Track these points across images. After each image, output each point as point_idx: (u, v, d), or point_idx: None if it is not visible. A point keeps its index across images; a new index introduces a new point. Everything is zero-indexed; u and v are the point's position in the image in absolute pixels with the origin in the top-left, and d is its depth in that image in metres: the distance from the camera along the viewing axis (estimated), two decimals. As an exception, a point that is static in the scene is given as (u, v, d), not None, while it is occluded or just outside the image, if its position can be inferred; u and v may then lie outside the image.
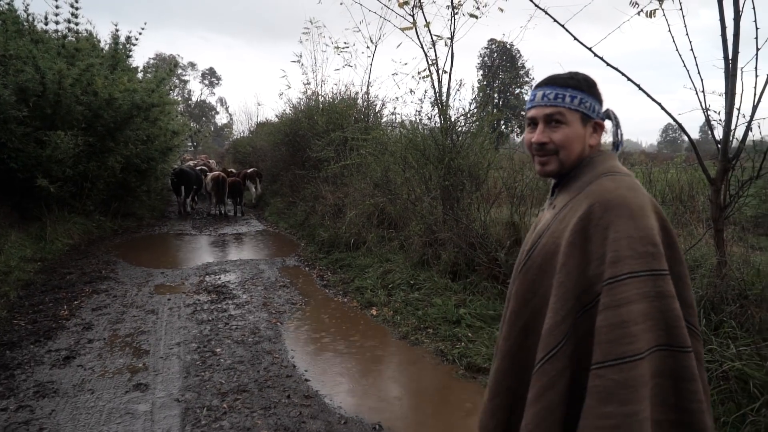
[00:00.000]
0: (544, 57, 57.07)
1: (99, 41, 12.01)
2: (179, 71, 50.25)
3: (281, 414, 3.30)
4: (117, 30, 11.88)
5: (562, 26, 4.07)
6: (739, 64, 3.48)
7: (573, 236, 1.27)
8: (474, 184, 6.33)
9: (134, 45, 12.30)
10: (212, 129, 52.04)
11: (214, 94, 61.13)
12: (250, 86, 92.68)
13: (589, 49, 3.90)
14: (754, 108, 3.47)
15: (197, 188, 14.32)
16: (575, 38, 4.02)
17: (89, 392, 3.54)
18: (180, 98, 44.35)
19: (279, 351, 4.34)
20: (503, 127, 35.28)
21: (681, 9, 3.66)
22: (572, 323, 1.25)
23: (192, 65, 57.43)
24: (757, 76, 3.40)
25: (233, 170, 17.05)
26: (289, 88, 33.31)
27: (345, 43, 10.41)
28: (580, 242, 1.26)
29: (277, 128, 14.16)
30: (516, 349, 1.40)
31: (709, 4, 3.54)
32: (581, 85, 1.37)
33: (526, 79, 41.42)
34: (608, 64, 3.81)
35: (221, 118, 56.95)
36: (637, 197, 1.27)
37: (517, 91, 41.11)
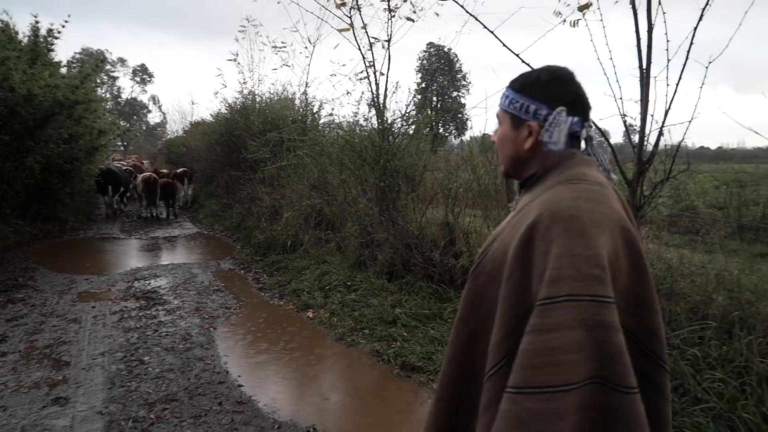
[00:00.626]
0: (480, 62, 58.65)
1: (17, 33, 11.20)
2: (108, 67, 47.74)
3: (212, 422, 3.21)
4: (37, 22, 11.12)
5: (491, 32, 4.22)
6: (653, 74, 3.72)
7: (519, 247, 1.14)
8: (410, 185, 6.41)
9: (56, 38, 11.56)
10: (144, 128, 49.86)
11: (146, 91, 58.25)
12: (185, 84, 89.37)
13: (517, 55, 4.05)
14: (666, 114, 3.71)
15: (125, 189, 13.70)
16: (504, 44, 4.17)
17: (1, 409, 3.30)
18: (108, 95, 42.17)
19: (211, 357, 4.22)
20: (441, 129, 35.90)
21: (602, 20, 3.87)
22: (515, 342, 1.12)
23: (122, 61, 54.69)
24: (668, 85, 3.64)
25: (165, 171, 16.43)
26: (225, 87, 32.41)
27: (282, 42, 10.24)
28: (524, 255, 1.13)
29: (212, 128, 13.76)
30: (461, 355, 1.30)
31: (630, 15, 3.76)
32: (516, 83, 1.29)
33: (464, 82, 42.38)
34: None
35: (154, 117, 54.58)
36: (594, 211, 1.10)
37: (455, 94, 41.98)
